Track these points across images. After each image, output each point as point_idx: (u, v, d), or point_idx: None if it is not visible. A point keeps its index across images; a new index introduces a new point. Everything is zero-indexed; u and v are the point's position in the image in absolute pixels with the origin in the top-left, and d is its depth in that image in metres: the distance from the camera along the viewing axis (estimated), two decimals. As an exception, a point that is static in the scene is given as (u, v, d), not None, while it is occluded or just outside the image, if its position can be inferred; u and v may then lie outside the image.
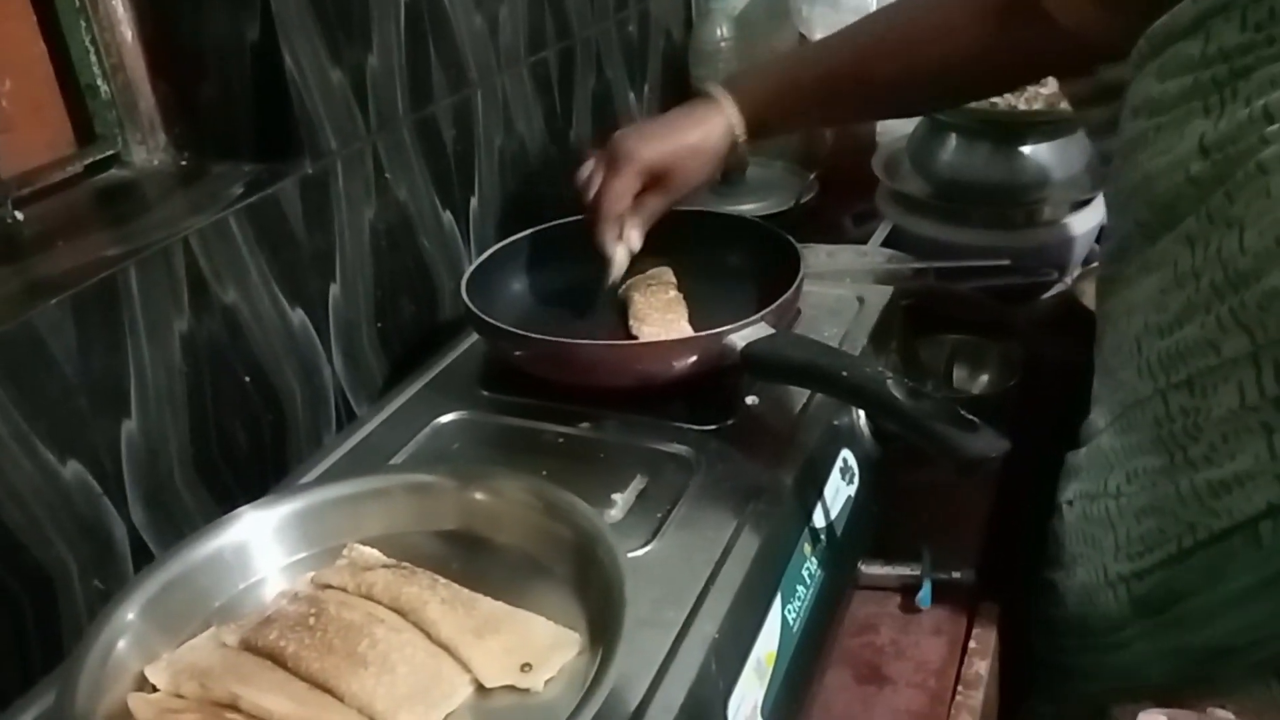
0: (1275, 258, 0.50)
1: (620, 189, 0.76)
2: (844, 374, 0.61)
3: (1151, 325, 0.58)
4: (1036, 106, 1.03)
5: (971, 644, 0.69)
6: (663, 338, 0.74)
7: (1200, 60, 0.53)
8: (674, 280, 0.82)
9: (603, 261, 0.79)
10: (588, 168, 0.80)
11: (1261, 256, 0.51)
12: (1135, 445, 0.61)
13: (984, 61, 0.73)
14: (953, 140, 1.06)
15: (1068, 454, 0.70)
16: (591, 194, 0.78)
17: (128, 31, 0.75)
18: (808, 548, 0.63)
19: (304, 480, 0.66)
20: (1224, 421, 0.54)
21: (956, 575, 0.72)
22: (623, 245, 0.78)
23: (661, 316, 0.76)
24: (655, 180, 0.77)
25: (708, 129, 0.78)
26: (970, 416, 0.56)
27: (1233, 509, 0.55)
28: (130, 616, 0.48)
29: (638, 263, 0.81)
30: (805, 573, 0.62)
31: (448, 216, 0.94)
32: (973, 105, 1.03)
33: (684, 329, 0.75)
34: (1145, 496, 0.60)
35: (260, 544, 0.54)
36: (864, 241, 1.12)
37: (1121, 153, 0.60)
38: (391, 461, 0.67)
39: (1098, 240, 1.09)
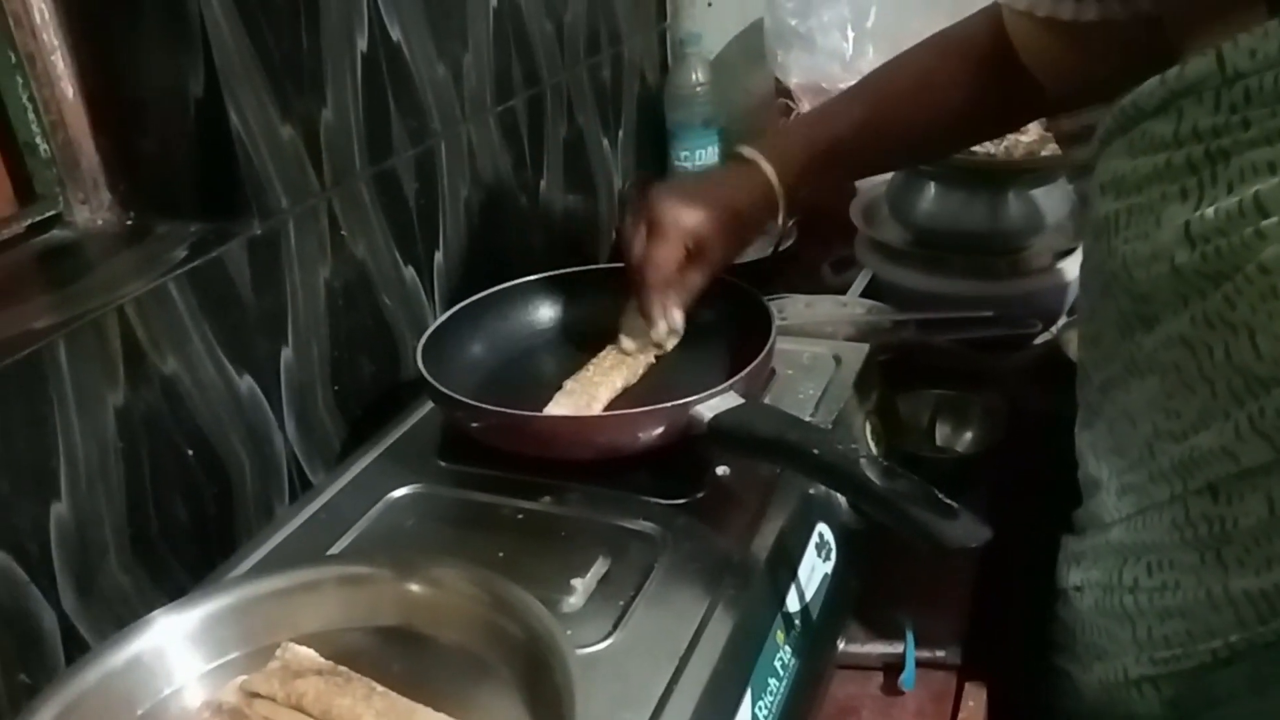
0: None
1: (665, 258, 0.73)
2: (814, 451, 0.58)
3: (1163, 431, 0.54)
4: (1018, 155, 1.00)
5: (958, 729, 0.66)
6: (564, 413, 0.70)
7: (1173, 140, 0.50)
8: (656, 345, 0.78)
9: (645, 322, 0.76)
10: (630, 229, 0.76)
11: (1279, 363, 0.47)
12: (1154, 543, 0.57)
13: (984, 106, 0.75)
14: (931, 188, 1.03)
15: (1064, 538, 0.66)
16: (634, 258, 0.74)
17: (68, 88, 0.72)
18: (781, 635, 0.59)
19: (246, 562, 0.62)
20: (1256, 530, 0.51)
21: (941, 654, 0.69)
22: (664, 322, 0.75)
23: (584, 389, 0.72)
24: (698, 249, 0.74)
25: (750, 195, 0.75)
26: (949, 502, 0.52)
27: (1272, 625, 0.51)
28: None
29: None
30: (778, 664, 0.58)
31: (410, 272, 0.91)
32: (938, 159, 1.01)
33: (593, 409, 0.71)
34: (1170, 597, 0.56)
35: (184, 646, 0.51)
36: (843, 290, 1.09)
37: (1093, 232, 0.57)
38: (340, 541, 0.64)
39: (1082, 289, 1.07)
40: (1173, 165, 0.50)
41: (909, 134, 0.78)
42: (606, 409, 0.71)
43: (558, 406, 0.71)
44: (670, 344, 0.77)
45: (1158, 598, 0.56)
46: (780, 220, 0.76)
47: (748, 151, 0.76)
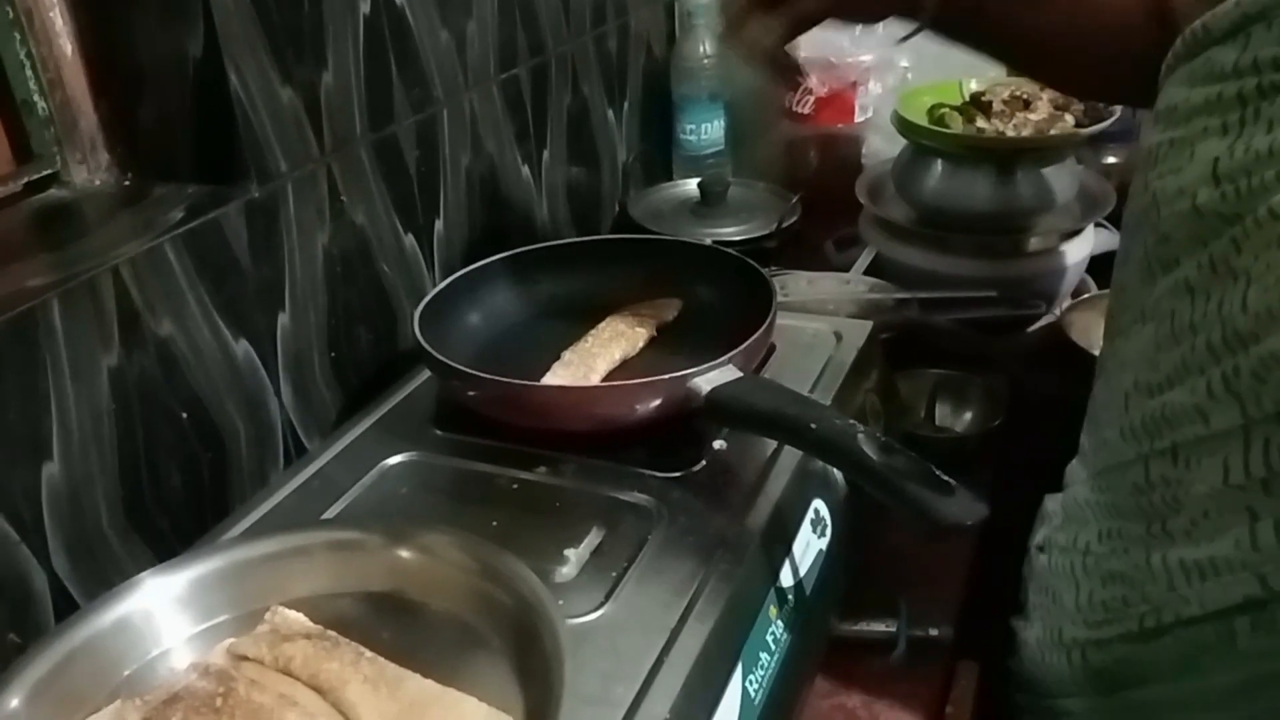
0: (1277, 320, 0.45)
1: None
2: (812, 426, 0.57)
3: (1141, 384, 0.53)
4: (1026, 133, 0.99)
5: (949, 709, 0.65)
6: (561, 384, 0.69)
7: (1233, 70, 0.47)
8: (657, 318, 0.78)
9: None
10: None
11: (1263, 317, 0.46)
12: (1113, 505, 0.56)
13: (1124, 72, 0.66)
14: (938, 166, 1.02)
15: (1045, 496, 0.66)
16: None
17: (67, 46, 0.71)
18: (773, 610, 0.59)
19: (239, 527, 0.62)
20: (1206, 498, 0.50)
21: (934, 632, 0.69)
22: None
23: (582, 360, 0.72)
24: None
25: None
26: (946, 478, 0.52)
27: (1205, 597, 0.50)
28: (14, 703, 0.43)
29: (644, 291, 0.78)
30: (770, 638, 0.58)
31: (410, 240, 0.90)
32: (959, 131, 1.00)
33: (590, 380, 0.70)
34: (1115, 561, 0.56)
35: (173, 608, 0.50)
36: (846, 268, 1.08)
37: (1138, 166, 0.55)
38: (333, 507, 0.63)
39: (1088, 271, 1.06)
40: (1224, 98, 0.47)
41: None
42: (604, 381, 0.71)
43: (555, 377, 0.70)
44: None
45: (1104, 562, 0.56)
46: None
47: None
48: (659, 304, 0.79)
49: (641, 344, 0.75)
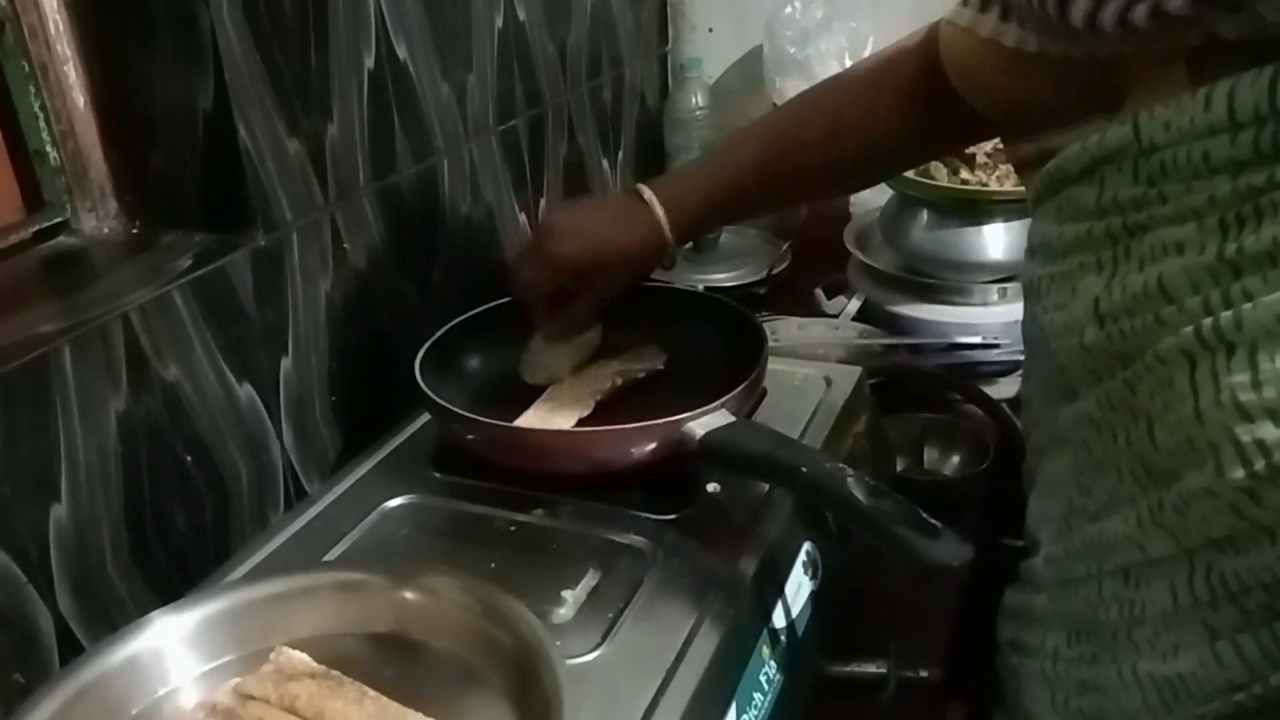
0: (1189, 458, 0.44)
1: (532, 279, 0.76)
2: (803, 469, 0.59)
3: (1078, 508, 0.53)
4: (1009, 185, 1.02)
5: (938, 749, 0.66)
6: (535, 426, 0.72)
7: (1095, 209, 0.47)
8: (636, 367, 0.80)
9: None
10: (517, 251, 0.79)
11: (1175, 455, 0.45)
12: (1072, 615, 0.55)
13: (914, 138, 0.73)
14: (924, 216, 1.05)
15: (1006, 590, 0.64)
16: (513, 280, 0.78)
17: (79, 98, 0.73)
18: (766, 650, 0.60)
19: (241, 569, 0.63)
20: (1162, 615, 0.49)
21: (924, 674, 0.69)
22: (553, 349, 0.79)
23: (558, 404, 0.74)
24: (577, 280, 0.76)
25: (634, 233, 0.75)
26: (932, 521, 0.53)
27: (1184, 717, 0.48)
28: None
29: (626, 335, 0.81)
30: (763, 678, 0.59)
31: (409, 287, 0.92)
32: (943, 183, 1.02)
33: (561, 423, 0.73)
34: (1085, 670, 0.54)
35: (180, 648, 0.51)
36: (835, 314, 1.10)
37: (1025, 295, 0.55)
38: (334, 549, 0.65)
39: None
40: (1094, 235, 0.48)
41: (820, 172, 0.76)
42: (578, 422, 0.73)
43: (525, 419, 0.73)
44: (566, 367, 0.79)
45: (1075, 669, 0.55)
46: (670, 259, 0.77)
47: (645, 192, 0.76)
48: (644, 353, 0.81)
49: (609, 385, 0.77)
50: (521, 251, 0.79)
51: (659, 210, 0.75)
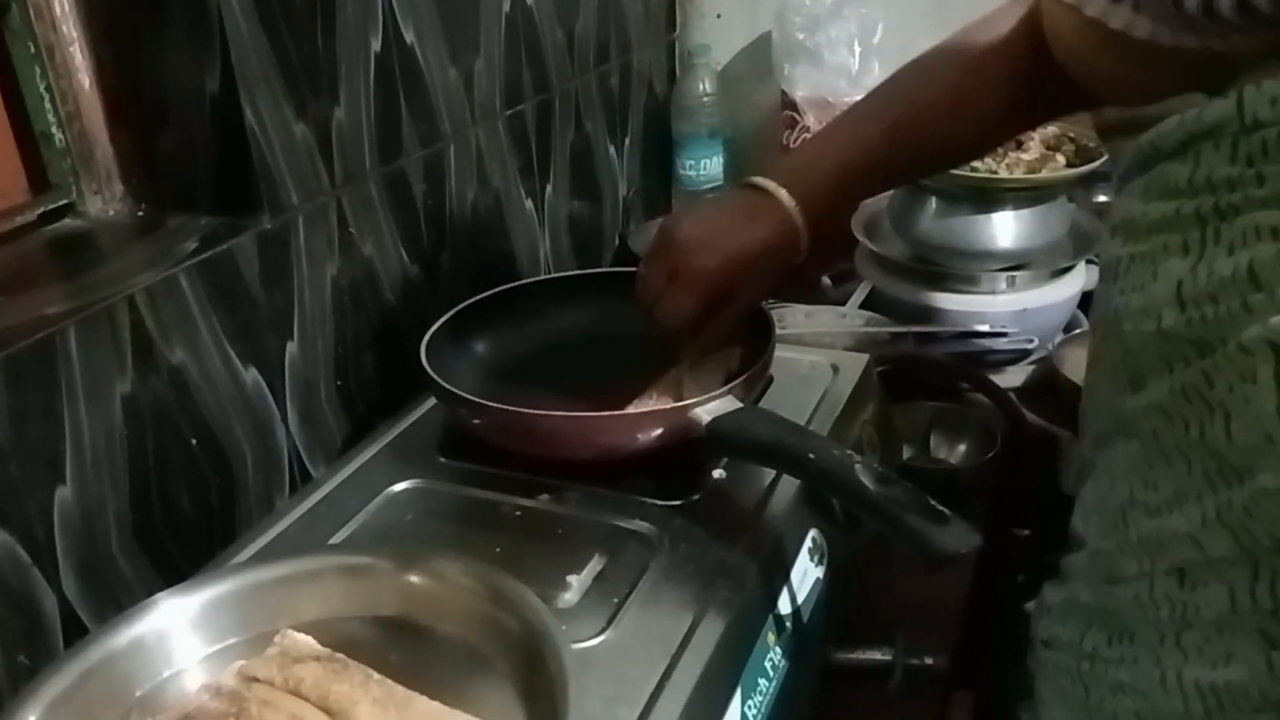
0: (1265, 456, 0.42)
1: (675, 308, 0.70)
2: (811, 456, 0.59)
3: (1139, 501, 0.50)
4: (1018, 173, 1.01)
5: (944, 738, 0.66)
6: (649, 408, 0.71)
7: (1187, 188, 0.45)
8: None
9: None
10: (650, 275, 0.72)
11: (1251, 452, 0.43)
12: (1118, 613, 0.53)
13: (1022, 109, 0.70)
14: (932, 204, 1.04)
15: (1045, 585, 0.62)
16: (658, 310, 0.71)
17: (85, 79, 0.73)
18: (772, 637, 0.60)
19: (246, 552, 0.63)
20: (1217, 621, 0.47)
21: (930, 661, 0.69)
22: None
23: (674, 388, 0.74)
24: (722, 296, 0.70)
25: (772, 233, 0.70)
26: (941, 509, 0.53)
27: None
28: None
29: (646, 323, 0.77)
30: (768, 664, 0.59)
31: (416, 271, 0.92)
32: (952, 170, 1.02)
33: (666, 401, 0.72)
34: (1125, 671, 0.52)
35: (185, 630, 0.51)
36: (843, 302, 1.10)
37: (1101, 275, 0.53)
38: (339, 533, 0.64)
39: (1079, 307, 1.08)
40: (1182, 215, 0.45)
41: (942, 149, 0.73)
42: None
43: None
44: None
45: (1113, 670, 0.53)
46: (803, 254, 0.71)
47: (766, 184, 0.70)
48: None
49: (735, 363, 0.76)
50: (650, 271, 0.72)
51: (789, 202, 0.69)
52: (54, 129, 0.72)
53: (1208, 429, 0.45)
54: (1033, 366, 1.02)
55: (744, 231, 0.70)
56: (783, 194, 0.69)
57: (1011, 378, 1.01)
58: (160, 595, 0.52)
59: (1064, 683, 0.57)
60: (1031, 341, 1.02)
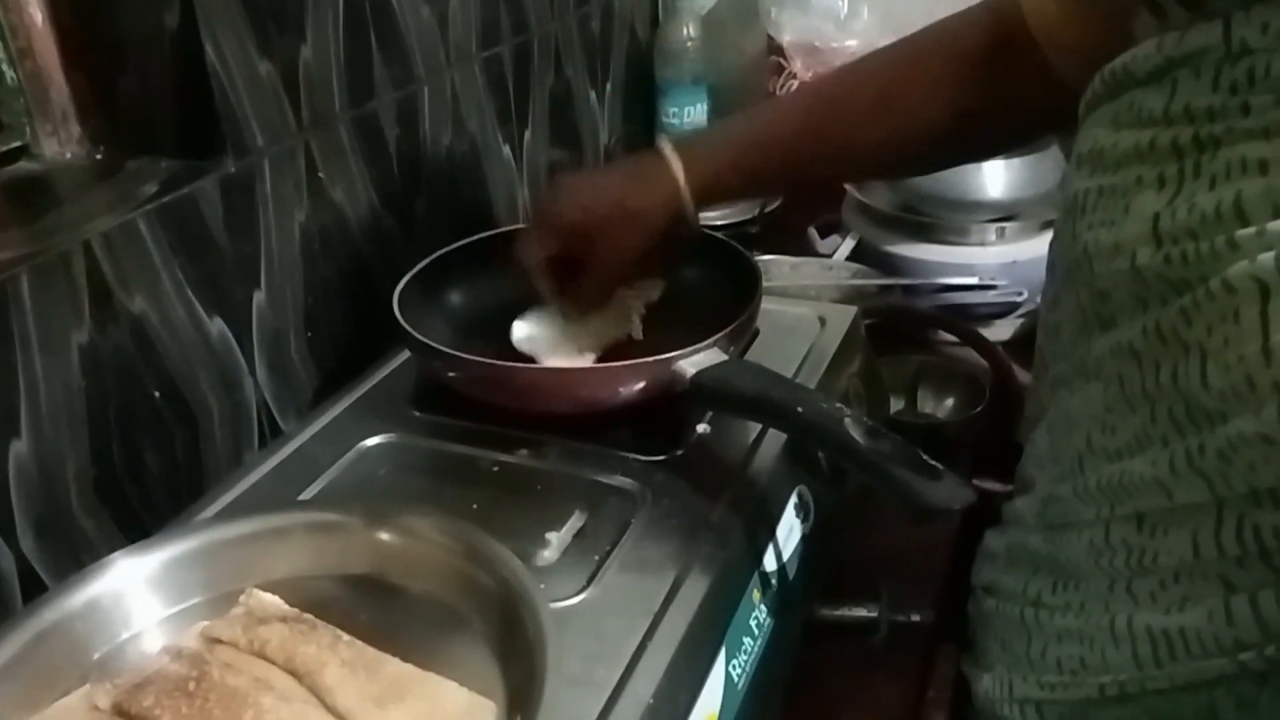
0: (1245, 400, 0.40)
1: (529, 243, 0.70)
2: (798, 409, 0.57)
3: (1097, 446, 0.49)
4: (1010, 120, 0.99)
5: (930, 692, 0.65)
6: (554, 365, 0.69)
7: (1162, 116, 0.43)
8: (643, 298, 0.77)
9: None
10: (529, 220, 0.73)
11: (1228, 396, 0.41)
12: (1067, 559, 0.52)
13: (972, 118, 0.65)
14: (922, 152, 1.02)
15: (987, 532, 0.61)
16: (517, 248, 0.71)
17: (37, 14, 0.69)
18: (757, 594, 0.58)
19: (213, 508, 0.61)
20: (1176, 567, 0.46)
21: (915, 617, 0.68)
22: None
23: (574, 343, 0.71)
24: (580, 243, 0.69)
25: (645, 194, 0.68)
26: (933, 463, 0.51)
27: (1176, 673, 0.46)
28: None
29: None
30: (753, 622, 0.57)
31: (389, 219, 0.89)
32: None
33: (585, 359, 0.70)
34: (1071, 618, 0.51)
35: (144, 589, 0.49)
36: (829, 255, 1.08)
37: (1063, 211, 0.50)
38: (309, 489, 0.62)
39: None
40: (1156, 146, 0.43)
41: (866, 150, 0.69)
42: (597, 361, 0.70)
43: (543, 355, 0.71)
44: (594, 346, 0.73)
45: (1059, 617, 0.52)
46: (690, 225, 0.70)
47: (664, 149, 0.69)
48: (642, 285, 0.78)
49: (634, 328, 0.75)
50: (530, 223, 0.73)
51: (677, 168, 0.68)
52: (4, 66, 0.68)
53: (1181, 372, 0.43)
54: (1021, 320, 1.00)
55: (617, 188, 0.69)
56: (675, 161, 0.68)
57: (1000, 331, 0.99)
58: (117, 554, 0.49)
59: (1007, 632, 0.56)
60: (1021, 294, 1.00)
